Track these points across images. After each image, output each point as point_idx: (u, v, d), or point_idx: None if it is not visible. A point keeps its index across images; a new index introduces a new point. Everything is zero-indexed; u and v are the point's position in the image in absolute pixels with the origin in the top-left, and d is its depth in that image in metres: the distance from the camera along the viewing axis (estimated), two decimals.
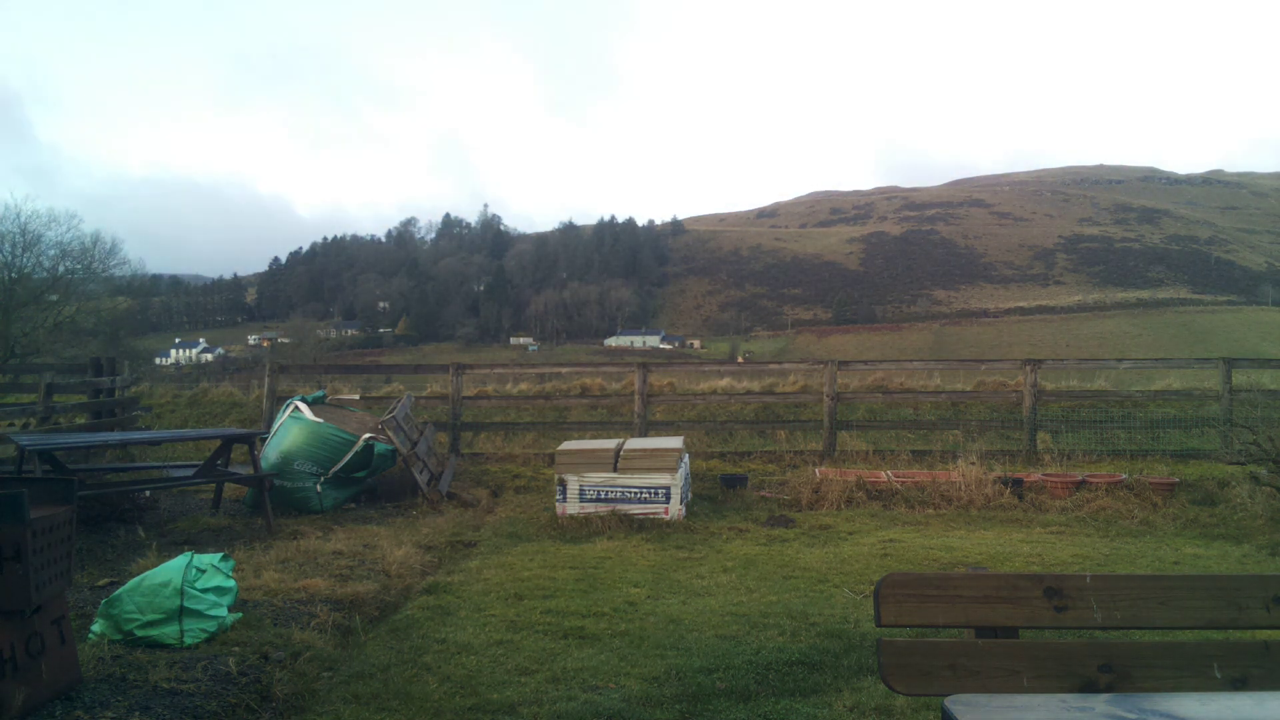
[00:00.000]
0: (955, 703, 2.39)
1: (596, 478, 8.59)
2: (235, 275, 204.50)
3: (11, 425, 11.26)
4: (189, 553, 5.03)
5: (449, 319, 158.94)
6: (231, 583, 5.00)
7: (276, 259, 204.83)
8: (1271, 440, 9.13)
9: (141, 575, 4.83)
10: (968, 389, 15.25)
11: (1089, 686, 2.53)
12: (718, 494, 9.99)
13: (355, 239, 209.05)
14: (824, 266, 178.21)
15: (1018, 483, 9.56)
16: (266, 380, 12.94)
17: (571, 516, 8.48)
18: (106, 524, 7.98)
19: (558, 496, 8.63)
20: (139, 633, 4.55)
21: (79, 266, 32.61)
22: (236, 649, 4.57)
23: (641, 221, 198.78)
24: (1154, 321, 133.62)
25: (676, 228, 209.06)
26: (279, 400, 12.06)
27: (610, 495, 8.56)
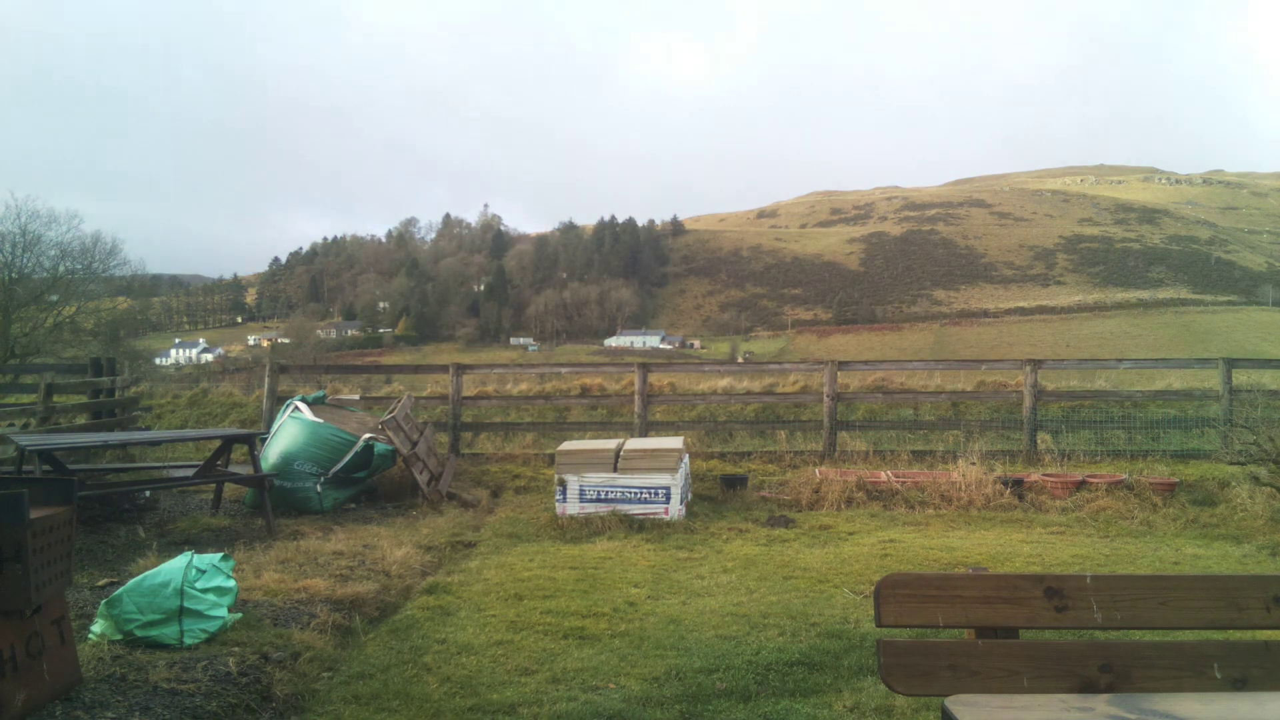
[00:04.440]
0: (955, 703, 2.39)
1: (596, 478, 8.59)
2: (235, 275, 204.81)
3: (11, 425, 11.26)
4: (189, 553, 5.03)
5: (449, 319, 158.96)
6: (232, 583, 4.99)
7: (276, 259, 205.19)
8: (1272, 440, 9.13)
9: (141, 575, 4.83)
10: (968, 389, 15.25)
11: (1089, 687, 2.53)
12: (718, 494, 9.99)
13: (355, 239, 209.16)
14: (824, 266, 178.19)
15: (1018, 483, 9.56)
16: (266, 380, 12.93)
17: (571, 517, 8.48)
18: (106, 524, 7.99)
19: (558, 497, 8.63)
20: (139, 633, 4.55)
21: (79, 266, 32.57)
22: (236, 649, 4.57)
23: (641, 221, 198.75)
24: (1154, 322, 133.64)
25: (676, 228, 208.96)
26: (279, 400, 12.06)
27: (610, 495, 8.55)
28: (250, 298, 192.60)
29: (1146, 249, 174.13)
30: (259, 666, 4.43)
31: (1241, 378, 13.19)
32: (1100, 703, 2.40)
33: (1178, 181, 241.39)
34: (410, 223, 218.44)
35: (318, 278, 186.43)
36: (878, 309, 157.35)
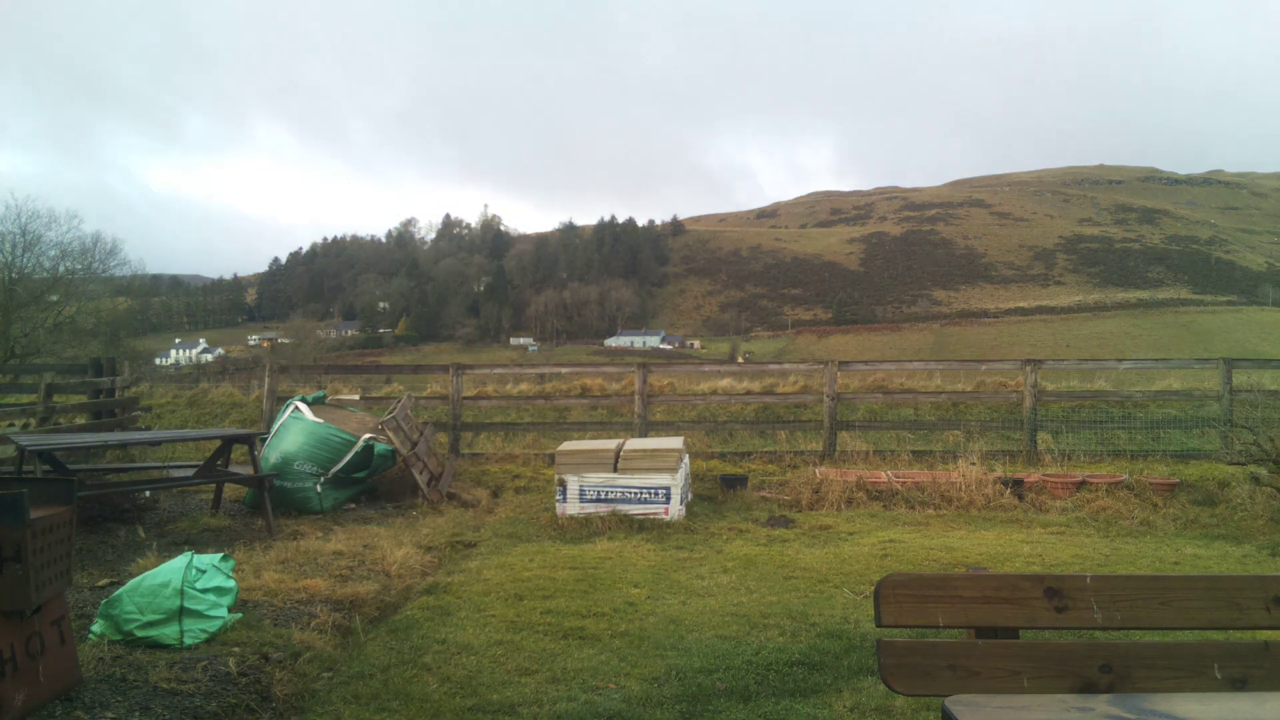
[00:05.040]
0: (955, 703, 2.39)
1: (596, 478, 8.59)
2: (235, 275, 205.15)
3: (11, 425, 11.27)
4: (189, 553, 5.03)
5: (449, 319, 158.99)
6: (231, 583, 4.99)
7: (276, 259, 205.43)
8: (1272, 440, 9.13)
9: (141, 575, 4.83)
10: (968, 389, 15.26)
11: (1089, 687, 2.53)
12: (718, 494, 9.99)
13: (355, 239, 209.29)
14: (824, 266, 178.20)
15: (1018, 483, 9.56)
16: (266, 381, 12.94)
17: (571, 517, 8.48)
18: (106, 524, 7.98)
19: (558, 497, 8.63)
20: (139, 633, 4.55)
21: (79, 267, 32.63)
22: (236, 649, 4.57)
23: (641, 221, 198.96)
24: (1154, 322, 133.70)
25: (676, 228, 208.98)
26: (279, 401, 12.06)
27: (610, 495, 8.55)
28: (250, 298, 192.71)
29: (1146, 249, 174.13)
30: (259, 666, 4.43)
31: (1241, 378, 13.19)
32: (1100, 703, 2.40)
33: (1177, 181, 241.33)
34: (410, 223, 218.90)
35: (318, 278, 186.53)
36: (878, 309, 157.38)
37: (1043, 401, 12.40)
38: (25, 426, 11.23)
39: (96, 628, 4.65)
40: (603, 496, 8.56)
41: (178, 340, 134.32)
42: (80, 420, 12.53)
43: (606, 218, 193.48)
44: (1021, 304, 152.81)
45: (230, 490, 9.34)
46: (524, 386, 17.45)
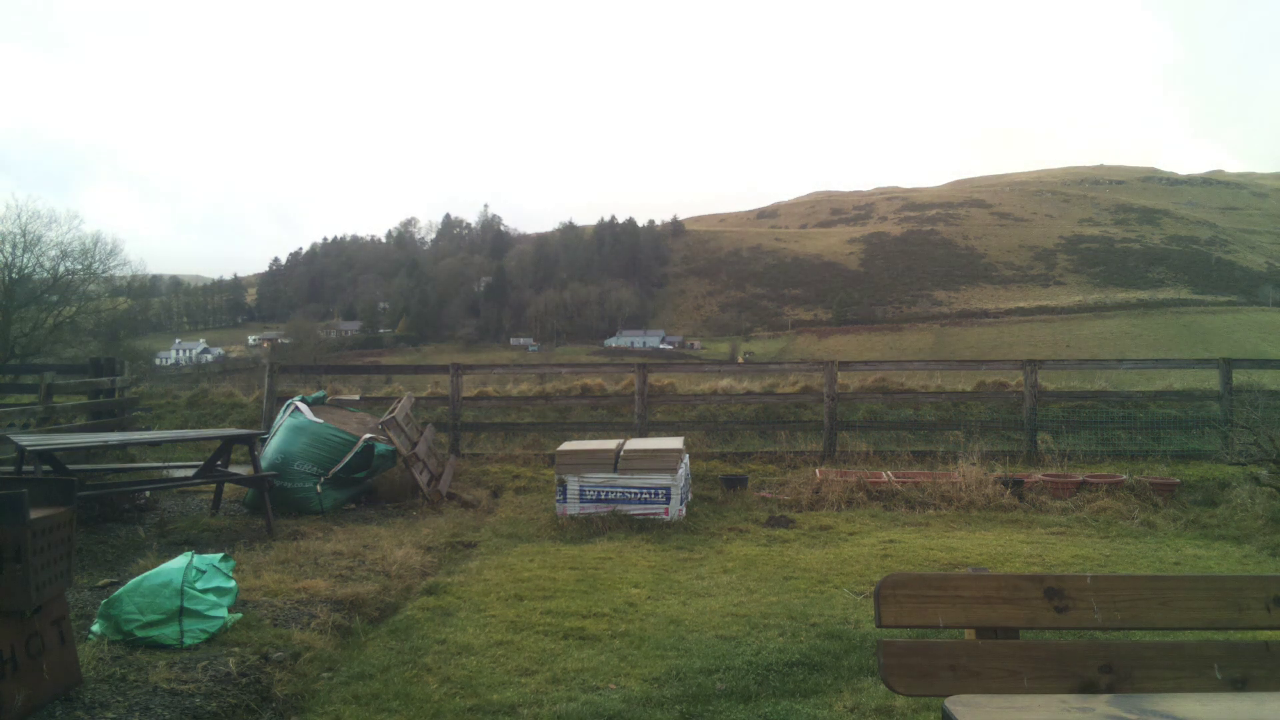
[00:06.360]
0: (956, 703, 2.39)
1: (597, 478, 8.59)
2: (235, 275, 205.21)
3: (11, 425, 11.25)
4: (189, 553, 5.03)
5: (449, 319, 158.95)
6: (232, 583, 5.00)
7: (276, 259, 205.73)
8: (1272, 441, 9.13)
9: (141, 576, 4.83)
10: (968, 389, 15.24)
11: (1089, 687, 2.53)
12: (718, 494, 9.99)
13: (355, 239, 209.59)
14: (824, 267, 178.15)
15: (1018, 483, 9.56)
16: (266, 381, 12.93)
17: (571, 517, 8.48)
18: (106, 524, 7.99)
19: (558, 497, 8.63)
20: (139, 633, 4.55)
21: (79, 267, 32.58)
22: (236, 649, 4.57)
23: (641, 221, 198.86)
24: (1154, 322, 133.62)
25: (676, 228, 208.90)
26: (279, 401, 12.06)
27: (610, 496, 8.55)
28: (250, 298, 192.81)
29: (1146, 249, 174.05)
30: (259, 667, 4.43)
31: (1241, 378, 13.19)
32: (1100, 703, 2.40)
33: (1177, 182, 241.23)
34: (410, 223, 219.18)
35: (318, 278, 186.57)
36: (878, 309, 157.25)
37: (1043, 402, 12.40)
38: (25, 426, 11.23)
39: (96, 628, 4.65)
40: (603, 497, 8.56)
41: (178, 340, 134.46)
42: (80, 420, 12.52)
43: (606, 218, 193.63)
44: (1022, 304, 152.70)
45: (230, 490, 9.33)
46: (524, 386, 17.45)
